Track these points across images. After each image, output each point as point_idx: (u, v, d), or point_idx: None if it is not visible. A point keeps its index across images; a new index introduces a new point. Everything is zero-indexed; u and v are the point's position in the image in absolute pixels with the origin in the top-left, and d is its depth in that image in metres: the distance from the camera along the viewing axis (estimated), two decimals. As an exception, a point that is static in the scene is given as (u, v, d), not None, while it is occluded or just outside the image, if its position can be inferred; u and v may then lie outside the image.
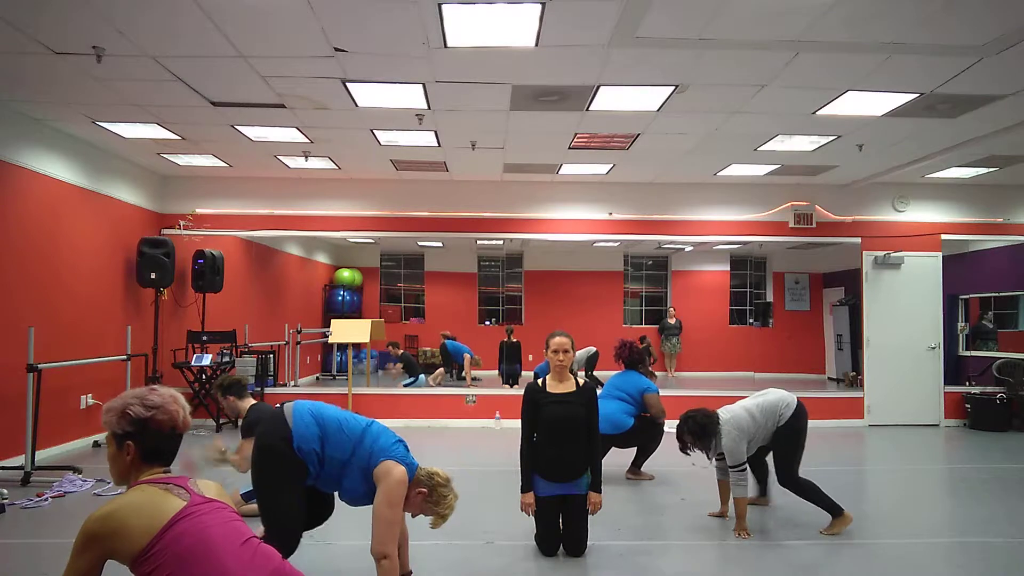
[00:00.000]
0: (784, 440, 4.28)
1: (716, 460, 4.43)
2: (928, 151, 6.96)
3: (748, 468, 4.22)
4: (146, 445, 1.85)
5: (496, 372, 11.01)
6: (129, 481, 1.86)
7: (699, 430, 4.23)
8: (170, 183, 8.35)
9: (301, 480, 2.94)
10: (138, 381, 7.28)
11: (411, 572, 3.25)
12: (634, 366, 5.67)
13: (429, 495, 2.96)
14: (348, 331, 8.13)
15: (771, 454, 4.40)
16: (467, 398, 8.45)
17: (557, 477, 3.78)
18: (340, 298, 13.45)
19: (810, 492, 4.26)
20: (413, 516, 3.05)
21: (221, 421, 7.83)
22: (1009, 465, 6.33)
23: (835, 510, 4.25)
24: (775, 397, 4.38)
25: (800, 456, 4.31)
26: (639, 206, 8.64)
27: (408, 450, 3.07)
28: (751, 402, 4.40)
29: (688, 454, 4.42)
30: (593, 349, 10.10)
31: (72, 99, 5.54)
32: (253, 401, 4.63)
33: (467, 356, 10.44)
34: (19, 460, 5.46)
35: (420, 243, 13.02)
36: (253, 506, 4.38)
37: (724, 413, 4.30)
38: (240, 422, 4.62)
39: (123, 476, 1.87)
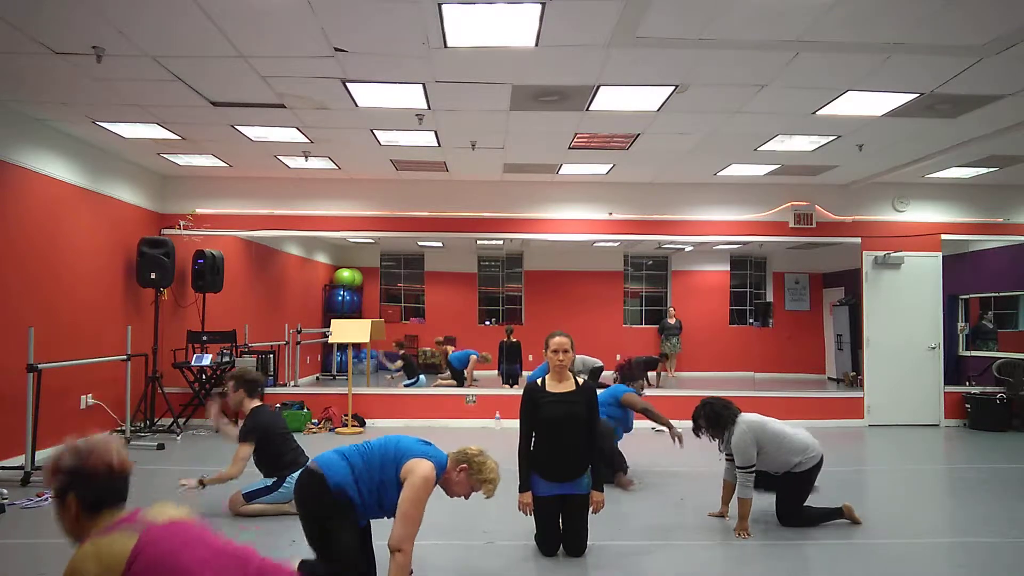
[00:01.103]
0: (796, 485, 4.33)
1: (726, 458, 4.45)
2: (928, 151, 6.96)
3: (755, 472, 4.22)
4: (86, 495, 1.73)
5: (496, 372, 11.00)
6: (81, 537, 1.74)
7: (713, 417, 4.34)
8: (170, 183, 8.35)
9: (350, 516, 2.99)
10: (138, 381, 7.29)
11: (412, 572, 3.25)
12: (623, 382, 5.88)
13: (470, 468, 3.04)
14: (348, 331, 8.14)
15: (776, 493, 4.44)
16: (467, 398, 8.45)
17: (557, 477, 3.77)
18: (340, 298, 13.44)
19: (812, 518, 4.35)
20: (467, 497, 3.14)
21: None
22: (1009, 465, 6.33)
23: (835, 514, 4.36)
24: (807, 440, 4.37)
25: (805, 499, 4.38)
26: (639, 206, 8.63)
27: (431, 444, 3.16)
28: (787, 426, 4.43)
29: (700, 436, 4.48)
30: (599, 363, 10.11)
31: (72, 99, 5.54)
32: (259, 403, 4.62)
33: (473, 358, 10.44)
34: (19, 460, 5.46)
35: (420, 243, 13.00)
36: (255, 506, 4.39)
37: (749, 415, 4.35)
38: (239, 421, 4.60)
39: (73, 533, 1.77)
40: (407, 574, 2.87)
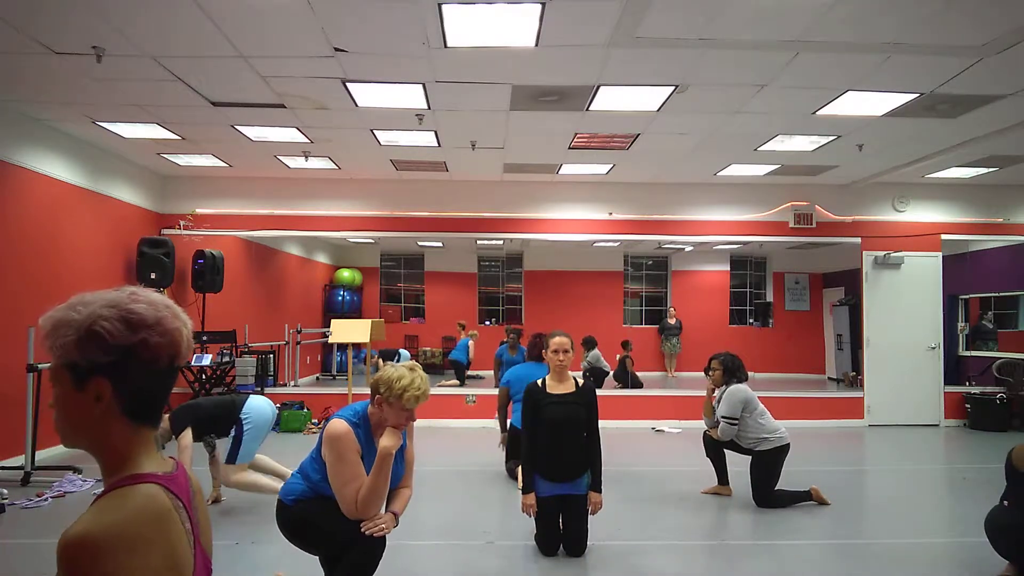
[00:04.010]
0: (765, 468, 4.75)
1: (714, 408, 5.01)
2: (928, 151, 6.96)
3: (727, 425, 4.80)
4: (131, 390, 1.04)
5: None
6: (91, 443, 1.05)
7: (732, 366, 4.93)
8: (170, 183, 8.34)
9: (321, 517, 2.71)
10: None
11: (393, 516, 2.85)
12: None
13: (387, 397, 2.62)
14: (348, 331, 8.12)
15: (750, 480, 4.84)
16: (467, 398, 8.45)
17: (557, 477, 3.77)
18: (340, 298, 13.45)
19: (783, 500, 4.72)
20: (401, 426, 2.70)
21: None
22: (1009, 465, 6.32)
23: (804, 496, 4.75)
24: (778, 425, 4.89)
25: (776, 483, 4.75)
26: (639, 206, 8.63)
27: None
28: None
29: (707, 376, 5.05)
30: (607, 369, 10.19)
31: (72, 99, 5.54)
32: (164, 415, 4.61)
33: (470, 343, 10.58)
34: (19, 460, 5.46)
35: (420, 243, 13.01)
36: (251, 478, 4.42)
37: (746, 385, 4.94)
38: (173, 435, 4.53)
39: (82, 434, 1.05)
40: (379, 516, 2.62)
